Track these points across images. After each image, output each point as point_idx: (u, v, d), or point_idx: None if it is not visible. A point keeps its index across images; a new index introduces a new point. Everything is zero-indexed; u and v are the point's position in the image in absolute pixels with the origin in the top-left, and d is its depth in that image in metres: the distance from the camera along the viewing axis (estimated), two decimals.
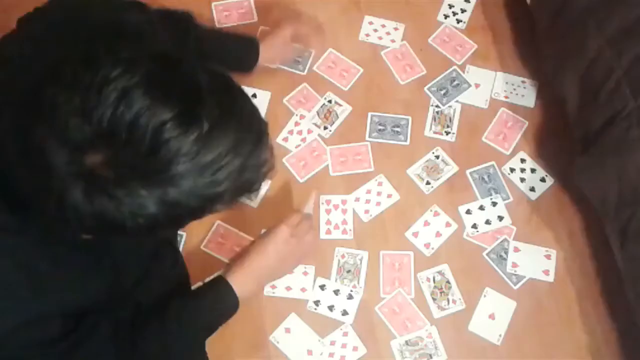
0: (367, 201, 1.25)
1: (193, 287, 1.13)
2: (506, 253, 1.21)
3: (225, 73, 0.69)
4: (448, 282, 1.19)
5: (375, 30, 1.42)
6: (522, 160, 1.30)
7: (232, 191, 0.66)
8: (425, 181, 1.27)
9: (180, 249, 1.19)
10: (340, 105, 1.34)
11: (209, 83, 0.64)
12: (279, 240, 1.06)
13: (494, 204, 1.25)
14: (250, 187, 0.70)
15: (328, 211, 1.24)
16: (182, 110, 0.59)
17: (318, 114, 1.33)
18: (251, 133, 0.66)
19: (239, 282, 1.02)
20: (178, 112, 0.59)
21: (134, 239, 0.79)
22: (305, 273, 1.18)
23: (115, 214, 0.60)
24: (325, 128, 1.31)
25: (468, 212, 1.25)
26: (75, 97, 0.58)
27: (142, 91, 0.58)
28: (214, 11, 1.42)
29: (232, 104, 0.65)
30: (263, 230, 1.10)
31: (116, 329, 0.89)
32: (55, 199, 0.60)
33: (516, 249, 1.22)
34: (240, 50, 1.26)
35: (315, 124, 1.31)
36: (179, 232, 1.20)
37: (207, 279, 1.06)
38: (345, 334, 1.14)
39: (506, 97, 1.36)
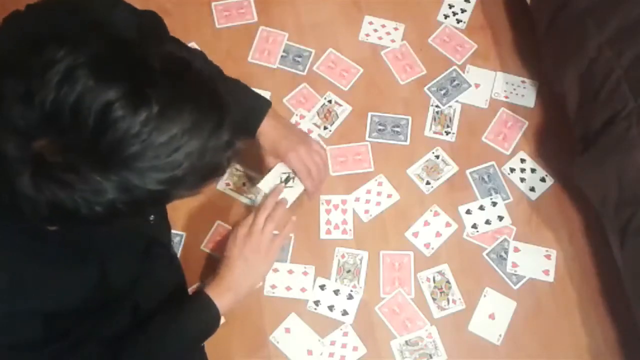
0: (367, 201, 1.25)
1: (190, 289, 1.13)
2: (506, 253, 1.21)
3: (184, 56, 0.68)
4: (448, 282, 1.19)
5: (375, 30, 1.42)
6: (522, 160, 1.30)
7: (194, 175, 0.65)
8: (425, 181, 1.27)
9: (180, 248, 1.20)
10: (340, 105, 1.34)
11: (163, 64, 0.63)
12: (238, 241, 1.05)
13: (494, 204, 1.25)
14: (215, 171, 0.69)
15: (328, 211, 1.23)
16: (129, 90, 0.58)
17: (318, 114, 1.33)
18: (210, 115, 0.65)
19: (216, 294, 1.02)
20: (125, 92, 0.58)
21: (98, 228, 0.76)
22: (305, 273, 1.18)
23: (68, 202, 0.59)
24: (325, 128, 1.31)
25: (468, 212, 1.25)
26: (20, 83, 0.58)
27: (87, 71, 0.57)
28: (214, 11, 1.42)
29: (188, 85, 0.64)
30: None
31: (101, 353, 0.88)
32: (7, 188, 0.59)
33: (516, 249, 1.22)
34: (248, 100, 1.11)
35: (315, 124, 1.31)
36: (179, 232, 1.21)
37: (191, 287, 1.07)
38: (345, 334, 1.14)
39: (506, 97, 1.36)
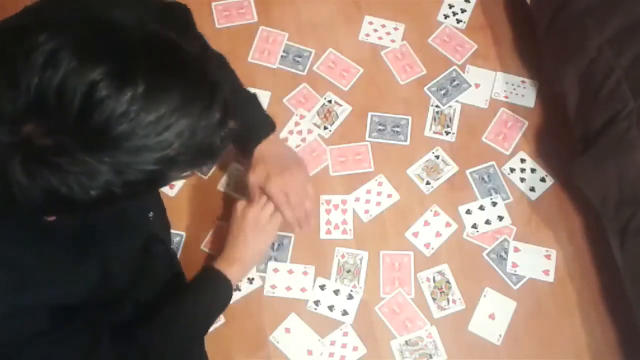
0: (367, 201, 1.25)
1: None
2: (506, 253, 1.21)
3: (169, 34, 0.67)
4: (448, 282, 1.19)
5: (375, 30, 1.42)
6: (522, 160, 1.30)
7: (187, 154, 0.64)
8: (425, 181, 1.27)
9: (180, 248, 1.19)
10: (340, 105, 1.34)
11: (149, 43, 0.62)
12: (238, 216, 1.09)
13: (494, 204, 1.25)
14: (209, 152, 0.68)
15: (328, 211, 1.23)
16: (113, 70, 0.58)
17: (318, 114, 1.33)
18: (200, 93, 0.64)
19: (225, 266, 1.05)
20: (108, 72, 0.57)
21: (96, 214, 0.75)
22: (305, 273, 1.18)
23: (62, 187, 0.59)
24: (325, 128, 1.31)
25: (468, 212, 1.25)
26: (5, 69, 0.57)
27: (70, 52, 0.57)
28: (214, 11, 1.42)
29: (175, 63, 0.64)
30: None
31: (116, 336, 0.89)
32: (1, 178, 0.59)
33: (516, 249, 1.22)
34: (256, 120, 1.13)
35: (315, 124, 1.31)
36: (179, 231, 1.20)
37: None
38: (345, 334, 1.14)
39: (506, 97, 1.36)
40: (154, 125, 0.60)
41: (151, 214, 1.03)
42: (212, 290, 1.05)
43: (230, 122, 0.69)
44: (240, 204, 1.11)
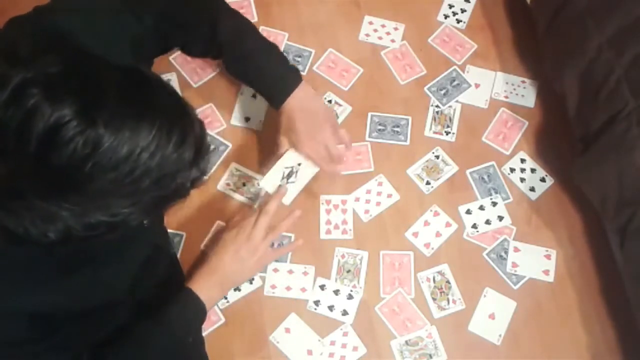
0: (367, 201, 1.25)
1: None
2: (506, 253, 1.21)
3: (143, 70, 0.64)
4: (448, 282, 1.19)
5: (375, 30, 1.42)
6: (522, 160, 1.30)
7: (153, 198, 0.62)
8: (425, 181, 1.27)
9: (180, 249, 1.19)
10: (340, 105, 1.34)
11: (120, 82, 0.60)
12: (237, 240, 1.05)
13: (494, 204, 1.25)
14: (177, 194, 0.66)
15: (328, 211, 1.23)
16: (77, 111, 0.55)
17: None
18: (171, 134, 0.62)
19: (205, 287, 1.01)
20: (74, 113, 0.55)
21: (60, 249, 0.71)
22: (305, 273, 1.18)
23: (18, 229, 0.57)
24: None
25: (468, 212, 1.25)
26: None
27: (37, 90, 0.55)
28: None
29: (145, 103, 0.61)
30: None
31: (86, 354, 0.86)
32: None
33: (516, 249, 1.22)
34: (279, 69, 1.09)
35: None
36: (179, 231, 1.20)
37: None
38: (345, 334, 1.14)
39: (506, 97, 1.36)
40: (118, 168, 0.58)
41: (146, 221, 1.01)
42: (185, 318, 0.99)
43: (203, 163, 0.66)
44: (244, 231, 1.06)
